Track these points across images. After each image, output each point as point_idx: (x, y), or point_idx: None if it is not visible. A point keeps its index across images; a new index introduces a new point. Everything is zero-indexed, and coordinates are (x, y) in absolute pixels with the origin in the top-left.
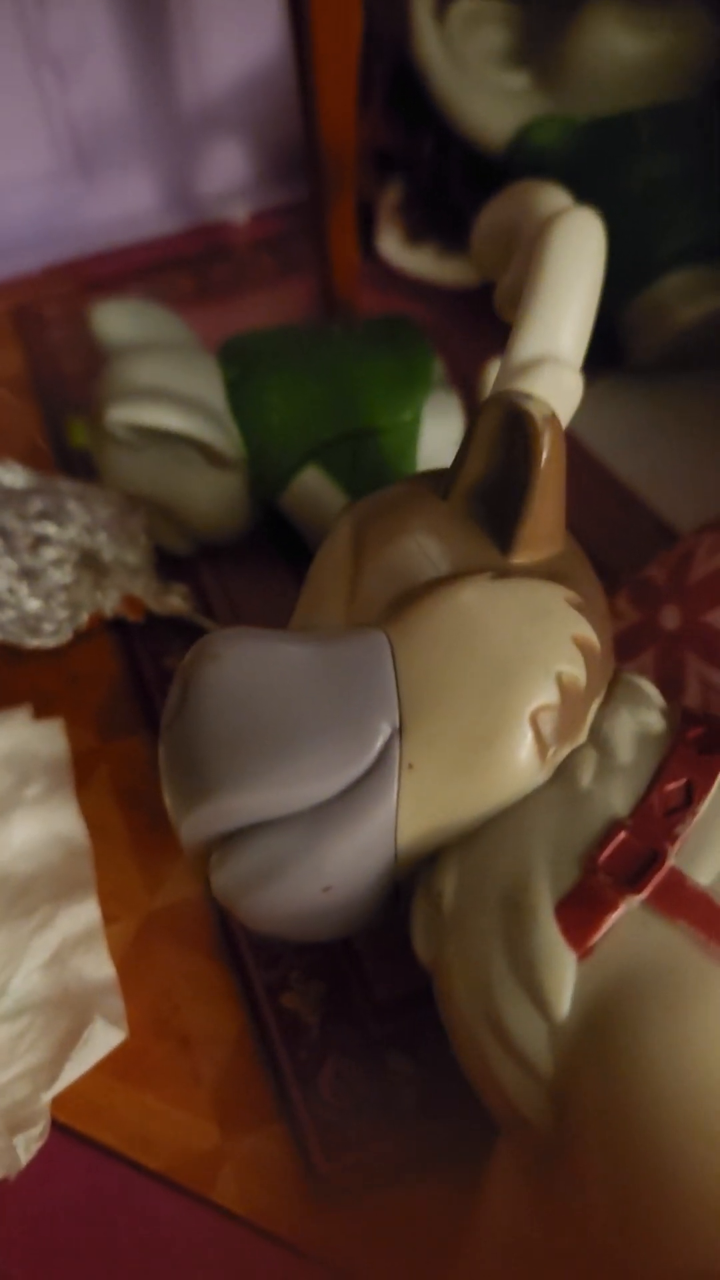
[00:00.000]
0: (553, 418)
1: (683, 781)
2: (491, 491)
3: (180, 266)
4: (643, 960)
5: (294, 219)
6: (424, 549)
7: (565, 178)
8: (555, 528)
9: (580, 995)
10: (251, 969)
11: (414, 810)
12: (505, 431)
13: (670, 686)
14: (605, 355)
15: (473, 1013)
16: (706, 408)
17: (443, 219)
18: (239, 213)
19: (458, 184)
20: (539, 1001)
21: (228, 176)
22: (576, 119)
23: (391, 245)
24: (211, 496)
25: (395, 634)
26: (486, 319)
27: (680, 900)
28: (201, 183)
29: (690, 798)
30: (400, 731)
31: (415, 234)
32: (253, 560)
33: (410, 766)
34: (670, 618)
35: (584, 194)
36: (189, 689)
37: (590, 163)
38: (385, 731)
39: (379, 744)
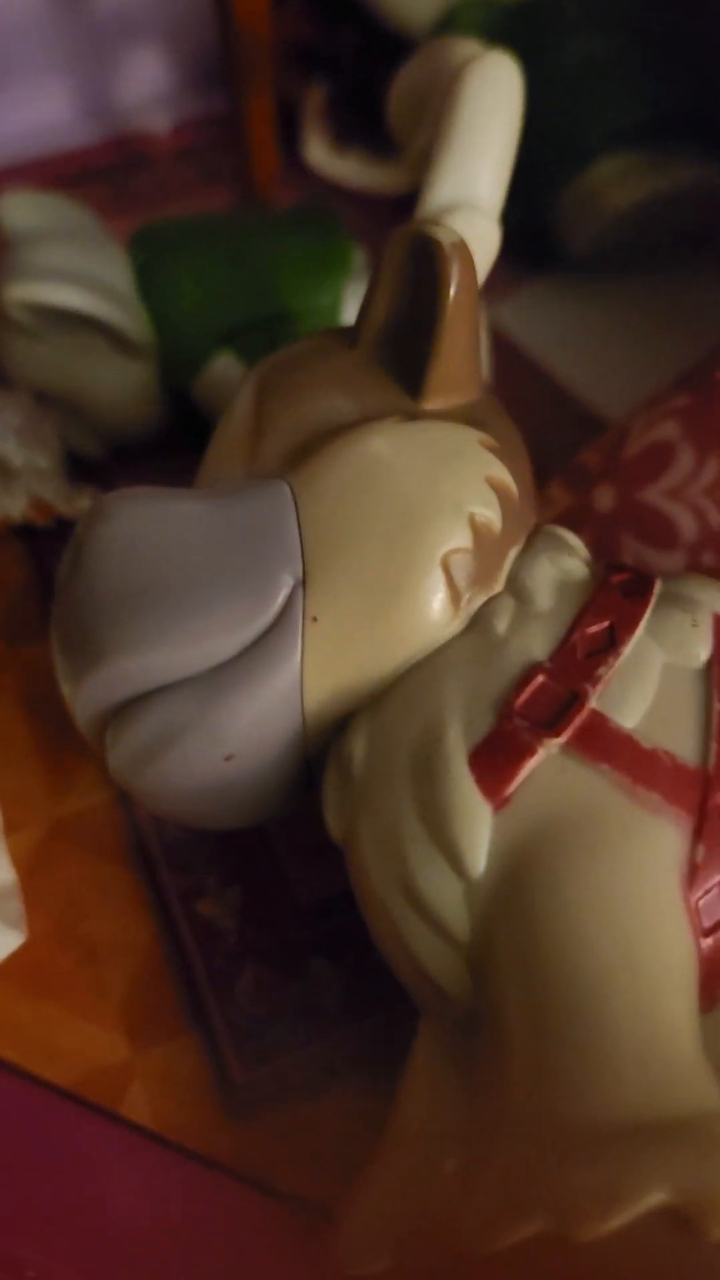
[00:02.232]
0: (461, 245)
1: (605, 624)
2: (401, 335)
3: (98, 178)
4: (563, 807)
5: (217, 129)
6: (329, 399)
7: None
8: (468, 370)
9: (497, 849)
10: (164, 875)
11: (320, 667)
12: (411, 266)
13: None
14: (540, 255)
15: (385, 881)
16: (643, 308)
17: (369, 121)
18: (160, 123)
19: (383, 82)
20: (453, 859)
21: (147, 85)
22: (501, 1)
23: (317, 151)
24: (120, 386)
25: (298, 483)
26: None
27: (602, 743)
28: (119, 92)
29: (614, 640)
30: (304, 583)
31: (342, 138)
32: (167, 461)
33: (314, 619)
34: (604, 498)
35: None
36: (80, 552)
37: (516, 46)
38: (287, 583)
39: (280, 597)
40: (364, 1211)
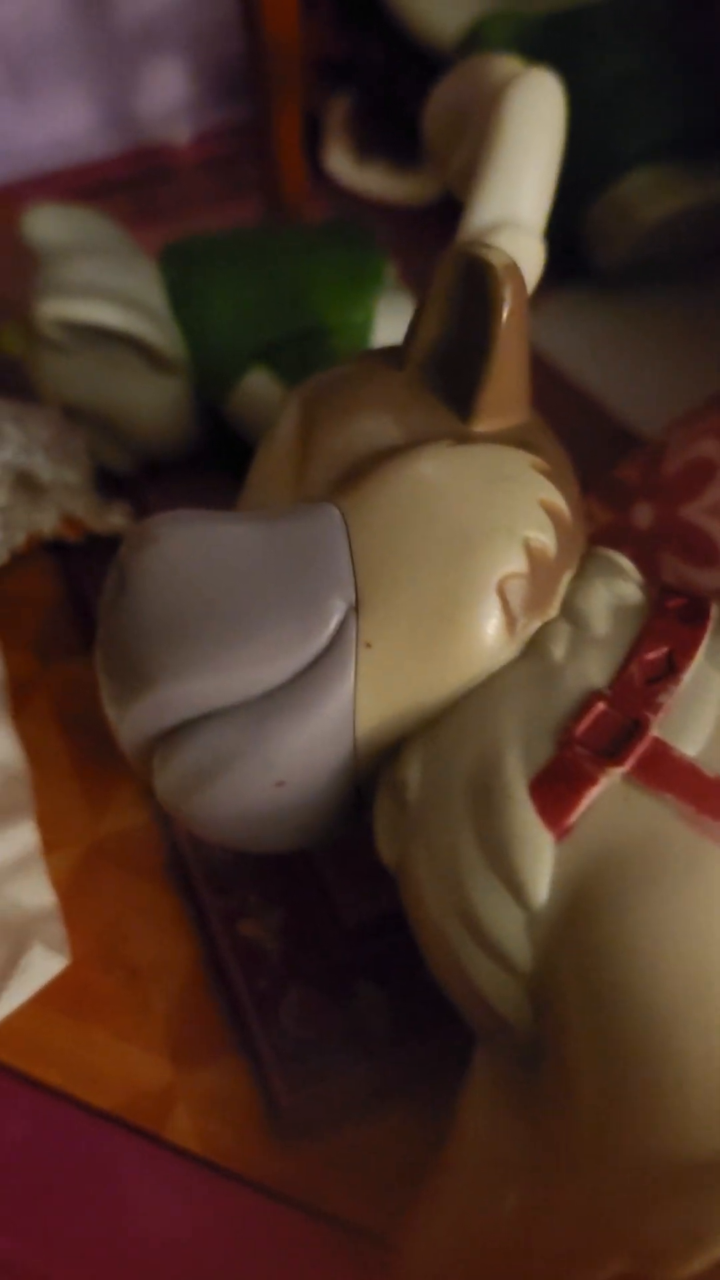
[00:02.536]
0: (513, 267)
1: (664, 650)
2: (450, 357)
3: (120, 190)
4: (626, 837)
5: (239, 139)
6: (378, 422)
7: None
8: (519, 392)
9: (559, 879)
10: (205, 895)
11: (373, 693)
12: (462, 288)
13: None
14: (570, 266)
15: (442, 909)
16: (672, 320)
17: (394, 132)
18: (182, 134)
19: (409, 94)
20: (514, 888)
21: (169, 95)
22: (531, 14)
23: (341, 162)
24: (152, 403)
25: (348, 506)
26: (443, 237)
27: (665, 771)
28: (142, 102)
29: (673, 666)
30: (356, 608)
31: (365, 149)
32: (199, 477)
33: (368, 645)
34: (643, 515)
35: None
36: (126, 576)
37: (548, 59)
38: (340, 609)
39: (333, 622)
40: (424, 1241)
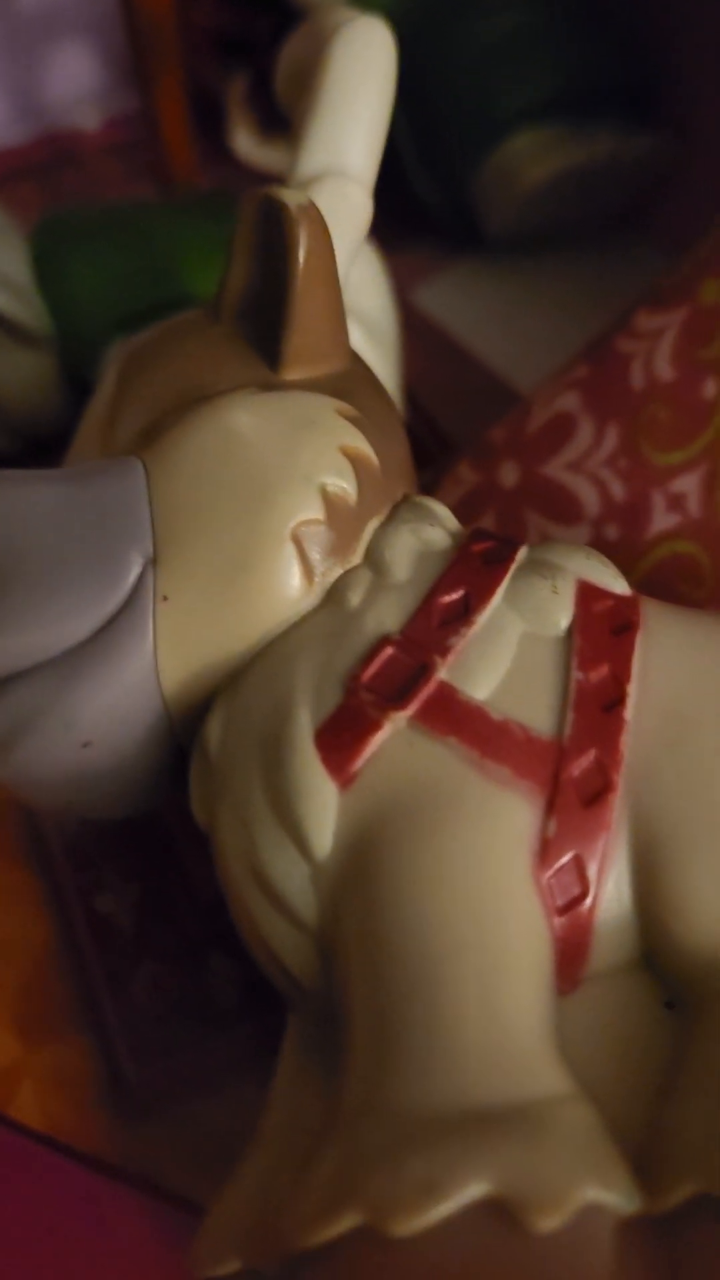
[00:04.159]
0: (310, 207)
1: (460, 593)
2: (259, 306)
3: (25, 176)
4: (410, 783)
5: (141, 126)
6: (187, 373)
7: (401, 41)
8: (329, 337)
9: (343, 829)
10: (62, 871)
11: (174, 647)
12: (263, 232)
13: None
14: (463, 235)
15: (238, 866)
16: (570, 287)
17: None
18: (90, 119)
19: None
20: (298, 840)
21: (78, 82)
22: None
23: (244, 141)
24: (18, 378)
25: (150, 458)
26: None
27: (450, 715)
28: (48, 90)
29: (468, 609)
30: (154, 562)
31: (268, 126)
32: None
33: (165, 599)
34: (509, 474)
35: (422, 56)
36: None
37: (426, 23)
38: (137, 563)
39: (131, 577)
40: (220, 1213)
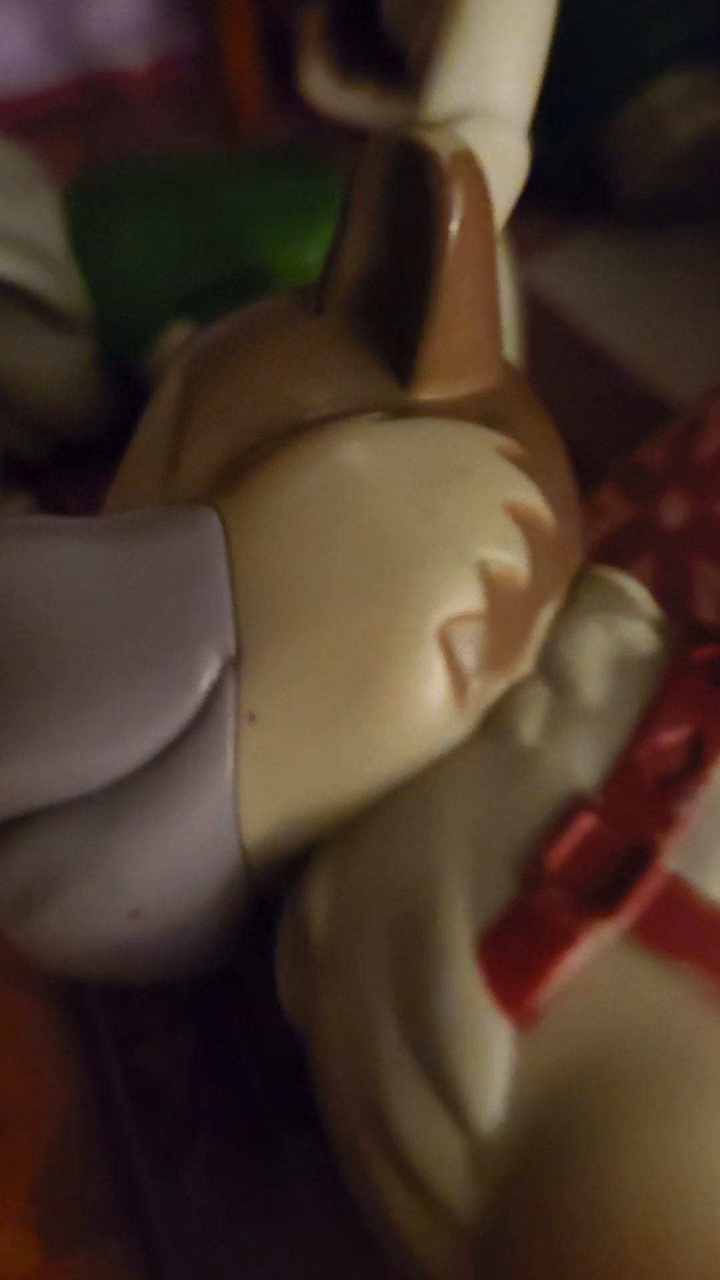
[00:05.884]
0: (469, 156)
1: (685, 731)
2: (384, 295)
3: (61, 125)
4: (623, 1028)
5: (202, 66)
6: (280, 388)
7: None
8: (482, 343)
9: (521, 1089)
10: (95, 1011)
11: (263, 786)
12: (395, 193)
13: (674, 601)
14: (586, 201)
15: (351, 1109)
16: (711, 265)
17: (379, 46)
18: (137, 57)
19: None
20: (450, 1100)
21: (121, 12)
22: None
23: (318, 85)
24: (51, 369)
25: (231, 512)
26: None
27: (684, 927)
28: (88, 22)
29: (699, 756)
30: (237, 663)
31: (348, 67)
32: (119, 462)
33: (252, 718)
34: (672, 510)
35: None
36: None
37: None
38: (214, 663)
39: (203, 684)
40: None
